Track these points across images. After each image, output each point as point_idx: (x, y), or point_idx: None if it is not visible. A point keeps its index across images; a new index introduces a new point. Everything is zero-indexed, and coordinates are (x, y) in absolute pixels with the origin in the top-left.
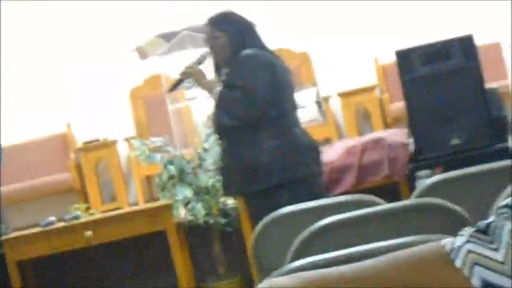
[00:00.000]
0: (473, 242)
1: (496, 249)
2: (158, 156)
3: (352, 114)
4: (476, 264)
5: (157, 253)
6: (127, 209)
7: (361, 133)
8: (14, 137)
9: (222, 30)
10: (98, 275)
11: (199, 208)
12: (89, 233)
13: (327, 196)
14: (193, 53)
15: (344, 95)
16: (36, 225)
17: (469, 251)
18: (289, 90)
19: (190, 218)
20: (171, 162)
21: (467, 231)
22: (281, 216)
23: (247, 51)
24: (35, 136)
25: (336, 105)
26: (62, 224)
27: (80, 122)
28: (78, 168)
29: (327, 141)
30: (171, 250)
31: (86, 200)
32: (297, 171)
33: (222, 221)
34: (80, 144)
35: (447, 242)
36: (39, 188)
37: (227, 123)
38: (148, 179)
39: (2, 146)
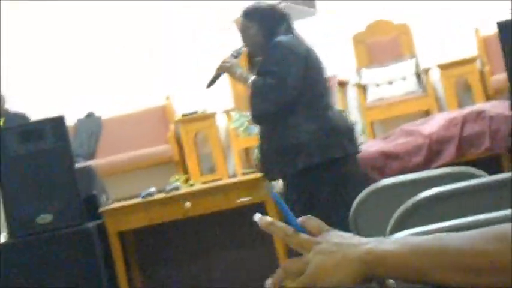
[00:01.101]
0: None
1: None
2: (256, 128)
3: (452, 86)
4: None
5: (256, 225)
6: (226, 181)
7: (461, 105)
8: (115, 109)
9: (253, 20)
10: (197, 246)
11: None
12: (188, 204)
13: (365, 175)
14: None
15: (444, 67)
16: (137, 196)
17: None
18: (321, 75)
19: None
20: None
21: None
22: (381, 188)
23: (279, 39)
24: (136, 108)
25: (436, 77)
26: (161, 195)
27: (180, 94)
28: (178, 139)
29: (427, 113)
30: None
31: (186, 172)
32: (333, 151)
33: None
34: (179, 116)
35: None
36: (140, 159)
37: (263, 110)
38: (247, 151)
39: (102, 118)
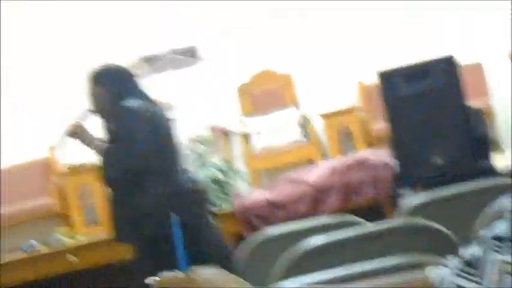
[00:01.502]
0: (460, 276)
1: (481, 284)
2: None
3: (334, 135)
4: None
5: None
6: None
7: (344, 153)
8: None
9: (100, 84)
10: None
11: None
12: (72, 257)
13: (220, 236)
14: (174, 74)
15: (326, 116)
16: (18, 249)
17: (459, 286)
18: (171, 138)
19: None
20: None
21: (453, 262)
22: (266, 236)
23: (127, 104)
24: (18, 161)
25: (318, 126)
26: (45, 249)
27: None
28: (61, 192)
29: (311, 161)
30: None
31: (69, 225)
32: (184, 215)
33: None
34: (62, 169)
35: (433, 274)
36: (22, 212)
37: (113, 176)
38: None
39: None
